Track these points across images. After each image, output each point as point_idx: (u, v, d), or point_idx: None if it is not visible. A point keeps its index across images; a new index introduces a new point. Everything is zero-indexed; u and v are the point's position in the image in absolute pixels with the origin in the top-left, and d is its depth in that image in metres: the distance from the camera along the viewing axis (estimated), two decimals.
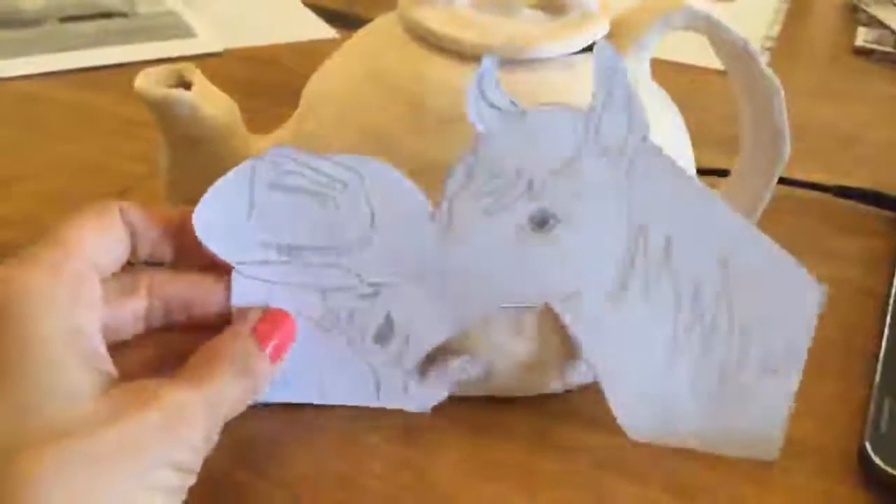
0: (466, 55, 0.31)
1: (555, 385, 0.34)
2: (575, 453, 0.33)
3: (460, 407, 0.34)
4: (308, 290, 0.30)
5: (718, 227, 0.29)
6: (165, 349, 0.29)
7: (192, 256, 0.30)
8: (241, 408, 0.28)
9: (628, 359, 0.31)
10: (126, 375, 0.26)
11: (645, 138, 0.28)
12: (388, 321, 0.31)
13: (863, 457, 0.32)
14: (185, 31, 0.66)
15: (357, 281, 0.30)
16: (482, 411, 0.34)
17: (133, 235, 0.29)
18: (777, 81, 0.34)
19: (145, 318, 0.29)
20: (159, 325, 0.30)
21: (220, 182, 0.29)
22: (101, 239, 0.28)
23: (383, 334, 0.31)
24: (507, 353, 0.33)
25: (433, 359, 0.32)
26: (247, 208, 0.29)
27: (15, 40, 0.63)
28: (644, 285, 0.30)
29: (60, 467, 0.23)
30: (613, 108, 0.28)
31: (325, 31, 0.68)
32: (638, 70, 0.33)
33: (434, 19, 0.33)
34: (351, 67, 0.34)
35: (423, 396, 0.32)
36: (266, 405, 0.33)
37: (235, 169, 0.29)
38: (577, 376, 0.34)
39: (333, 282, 0.30)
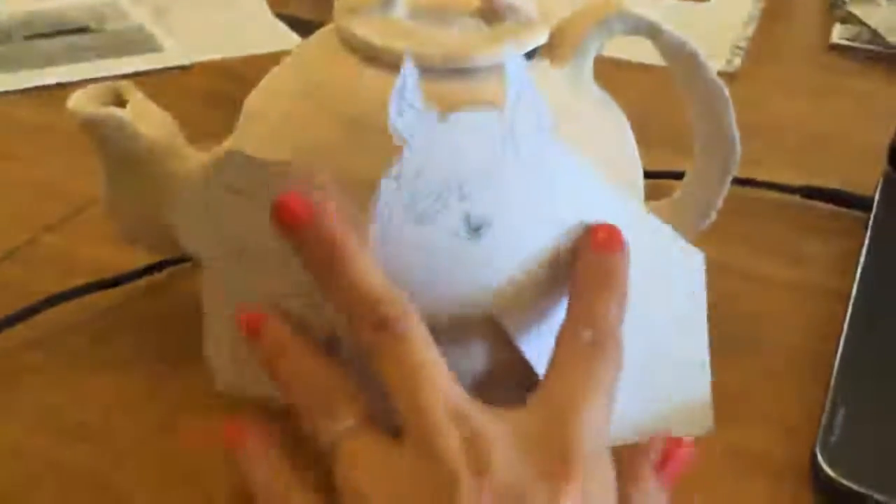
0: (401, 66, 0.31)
1: (505, 398, 0.33)
2: None
3: None
4: (265, 294, 0.31)
5: (617, 212, 0.30)
6: None
7: None
8: None
9: None
10: None
11: (551, 134, 0.29)
12: (333, 335, 0.30)
13: (814, 466, 0.31)
14: (153, 46, 0.65)
15: (300, 290, 0.30)
16: None
17: None
18: (723, 85, 0.34)
19: None
20: None
21: (184, 181, 0.31)
22: None
23: (333, 346, 0.31)
24: (455, 366, 0.32)
25: None
26: (204, 207, 0.31)
27: None
28: (569, 279, 0.30)
29: None
30: (524, 107, 0.28)
31: (294, 40, 0.67)
32: (579, 76, 0.33)
33: (369, 30, 0.32)
34: (286, 82, 0.34)
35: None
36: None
37: (196, 171, 0.31)
38: (526, 391, 0.33)
39: (279, 288, 0.30)
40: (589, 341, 0.28)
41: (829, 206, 0.48)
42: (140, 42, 0.66)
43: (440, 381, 0.26)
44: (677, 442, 0.28)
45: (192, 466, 0.32)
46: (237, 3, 0.73)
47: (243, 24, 0.70)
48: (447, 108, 0.30)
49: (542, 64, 0.32)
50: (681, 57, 0.33)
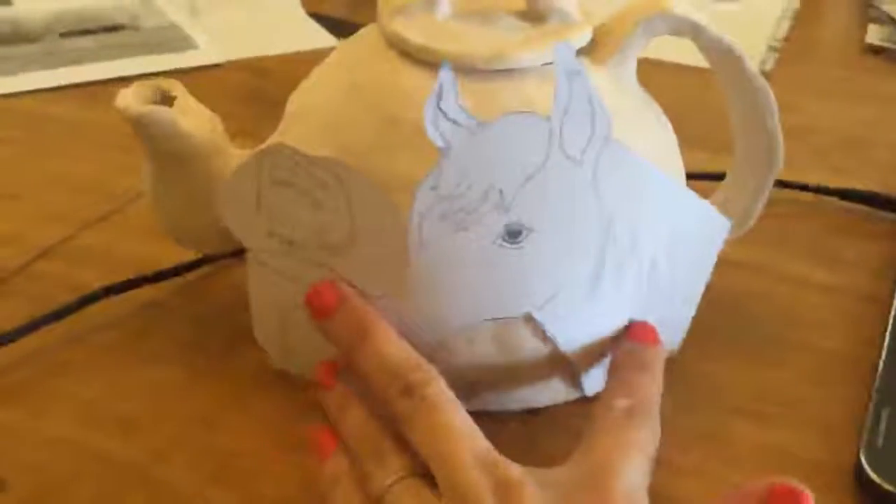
0: None
1: (542, 399, 0.34)
2: None
3: None
4: (306, 286, 0.31)
5: (672, 205, 0.31)
6: None
7: None
8: None
9: (602, 346, 0.32)
10: None
11: (608, 138, 0.28)
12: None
13: (858, 471, 0.31)
14: (187, 44, 0.66)
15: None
16: None
17: None
18: (767, 85, 0.33)
19: None
20: None
21: (236, 172, 0.31)
22: None
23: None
24: (493, 369, 0.32)
25: None
26: (255, 198, 0.31)
27: (15, 56, 0.63)
28: (615, 277, 0.31)
29: None
30: (575, 111, 0.28)
31: (328, 40, 0.68)
32: (622, 76, 0.33)
33: (413, 30, 0.32)
34: (331, 80, 0.34)
35: None
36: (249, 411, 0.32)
37: (246, 162, 0.31)
38: (565, 390, 0.34)
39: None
40: (626, 409, 0.29)
41: (866, 209, 0.48)
42: (174, 40, 0.66)
43: (469, 437, 0.28)
44: (796, 491, 0.26)
45: (234, 460, 0.32)
46: (270, 2, 0.74)
47: (276, 23, 0.71)
48: (491, 109, 0.30)
49: (584, 63, 0.32)
50: (724, 58, 0.33)
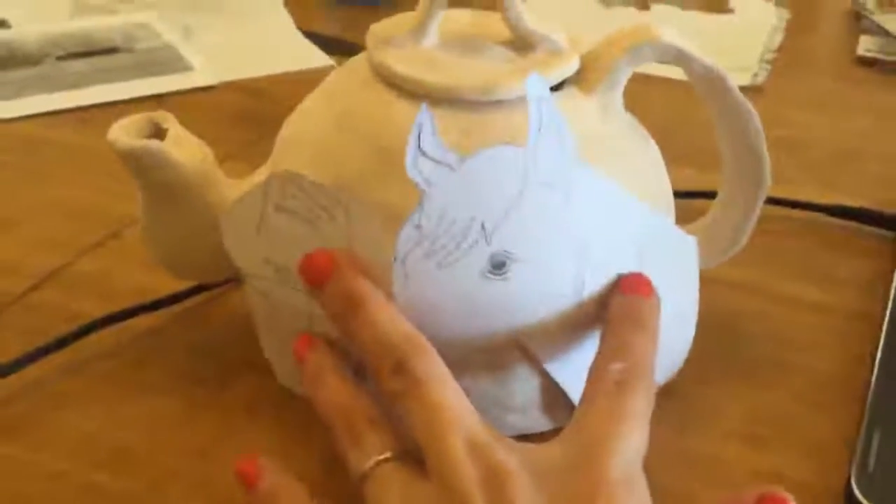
0: (433, 98, 0.31)
1: (536, 425, 0.34)
2: None
3: None
4: (298, 314, 0.32)
5: (640, 226, 0.32)
6: None
7: None
8: None
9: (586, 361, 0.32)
10: None
11: (575, 160, 0.29)
12: (361, 365, 0.31)
13: (849, 495, 0.31)
14: (181, 65, 0.66)
15: None
16: None
17: None
18: (752, 110, 0.34)
19: None
20: None
21: (242, 197, 0.32)
22: None
23: (361, 373, 0.31)
24: (486, 397, 0.32)
25: None
26: (256, 224, 0.32)
27: (12, 80, 0.64)
28: (593, 297, 0.31)
29: None
30: (547, 138, 0.28)
31: (321, 59, 0.68)
32: (609, 103, 0.33)
33: (400, 61, 0.32)
34: (321, 109, 0.34)
35: None
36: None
37: (255, 188, 0.32)
38: (559, 417, 0.34)
39: (317, 310, 0.31)
40: (619, 375, 0.29)
41: (857, 225, 0.48)
42: (169, 62, 0.67)
43: (459, 418, 0.27)
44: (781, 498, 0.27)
45: (229, 492, 0.33)
46: (264, 22, 0.74)
47: (270, 43, 0.71)
48: (480, 139, 0.30)
49: (572, 92, 0.33)
50: (711, 83, 0.33)
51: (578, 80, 0.33)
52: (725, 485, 0.33)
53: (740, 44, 0.70)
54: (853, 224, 0.48)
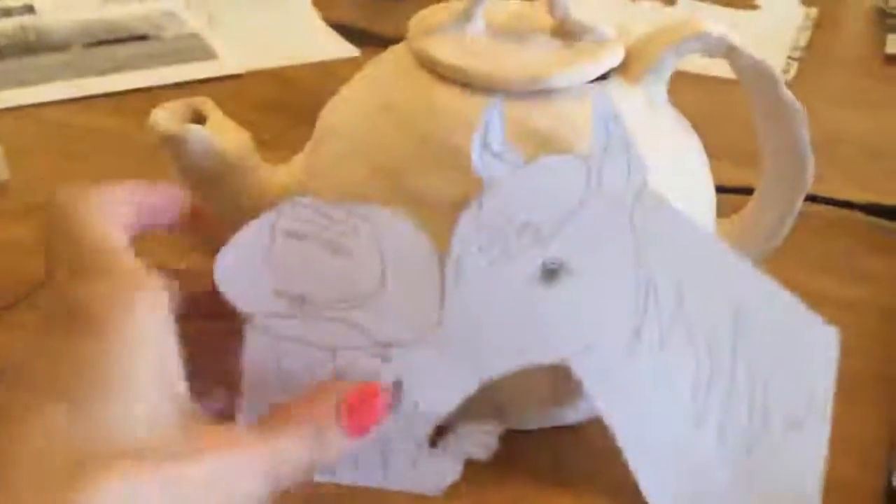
0: (477, 86, 0.31)
1: (569, 416, 0.34)
2: (591, 489, 0.32)
3: None
4: (317, 348, 0.29)
5: (727, 273, 0.29)
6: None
7: None
8: (304, 476, 0.27)
9: (648, 418, 0.30)
10: None
11: (644, 184, 0.28)
12: (397, 386, 0.29)
13: (890, 494, 0.31)
14: (207, 54, 0.66)
15: (366, 340, 0.29)
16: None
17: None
18: (799, 105, 0.33)
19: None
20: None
21: (241, 231, 0.29)
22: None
23: (397, 394, 0.30)
24: (520, 386, 0.32)
25: (443, 431, 0.31)
26: (263, 256, 0.29)
27: (41, 66, 0.64)
28: (658, 337, 0.29)
29: (130, 487, 0.22)
30: (612, 155, 0.28)
31: (347, 49, 0.68)
32: (654, 96, 0.33)
33: (444, 49, 0.32)
34: (361, 99, 0.34)
35: (435, 474, 0.31)
36: None
37: (258, 219, 0.29)
38: (592, 409, 0.34)
39: (342, 339, 0.29)
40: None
41: (889, 222, 0.47)
42: (195, 49, 0.67)
43: None
44: (372, 390, 0.28)
45: None
46: (288, 11, 0.74)
47: (295, 32, 0.71)
48: (525, 129, 0.30)
49: (617, 82, 0.33)
50: (757, 78, 0.33)
51: (623, 70, 0.33)
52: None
53: (767, 40, 0.70)
54: (885, 221, 0.47)
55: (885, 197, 0.48)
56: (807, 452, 0.30)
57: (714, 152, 0.36)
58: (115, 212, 0.27)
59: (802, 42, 0.71)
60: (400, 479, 0.31)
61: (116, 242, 0.26)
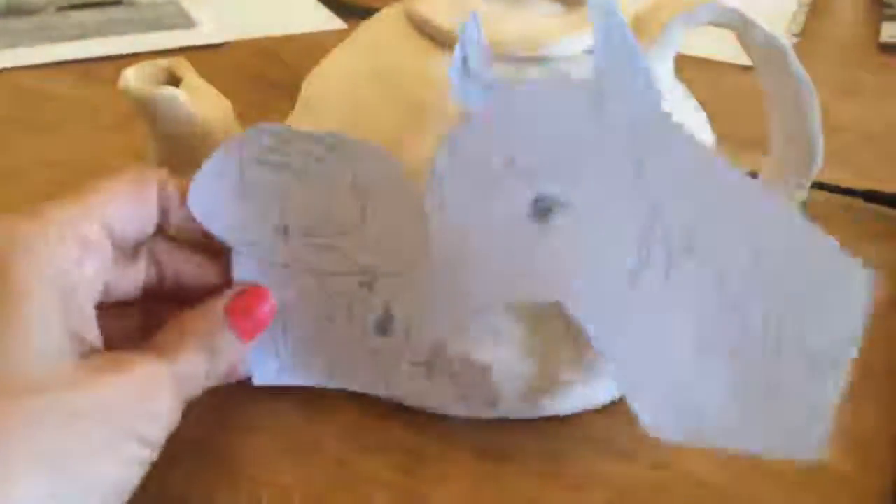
0: None
1: (565, 407, 0.32)
2: (589, 483, 0.31)
3: (466, 431, 0.32)
4: (305, 274, 0.29)
5: (746, 207, 0.26)
6: (152, 320, 0.29)
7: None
8: (208, 385, 0.28)
9: (650, 354, 0.28)
10: (108, 342, 0.26)
11: (657, 108, 0.25)
12: (388, 313, 0.29)
13: None
14: (186, 22, 0.64)
15: (353, 265, 0.29)
16: (490, 436, 0.32)
17: (165, 212, 0.28)
18: (811, 83, 0.32)
19: (143, 287, 0.29)
20: (152, 295, 0.29)
21: (209, 162, 0.28)
22: (129, 209, 0.27)
23: (383, 326, 0.29)
24: (516, 375, 0.30)
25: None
26: (236, 186, 0.28)
27: (11, 30, 0.61)
28: (663, 273, 0.27)
29: (30, 420, 0.23)
30: (618, 77, 0.25)
31: (333, 21, 0.66)
32: (660, 69, 0.31)
33: (440, 13, 0.30)
34: (351, 65, 0.32)
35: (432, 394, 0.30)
36: (257, 421, 0.31)
37: (222, 148, 0.28)
38: (589, 397, 0.32)
39: (329, 265, 0.29)
40: None
41: (890, 210, 0.46)
42: (173, 16, 0.64)
43: None
44: (255, 292, 0.29)
45: (242, 465, 0.31)
46: None
47: (280, 2, 0.69)
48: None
49: None
50: (769, 53, 0.31)
51: None
52: (766, 476, 0.31)
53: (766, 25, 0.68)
54: (886, 209, 0.46)
55: (880, 184, 0.47)
56: (822, 397, 0.27)
57: (721, 138, 0.35)
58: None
59: (797, 28, 0.70)
60: (398, 389, 0.31)
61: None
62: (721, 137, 0.35)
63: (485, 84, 0.25)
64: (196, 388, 0.27)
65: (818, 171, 0.34)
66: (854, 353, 0.27)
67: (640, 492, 0.30)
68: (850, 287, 0.27)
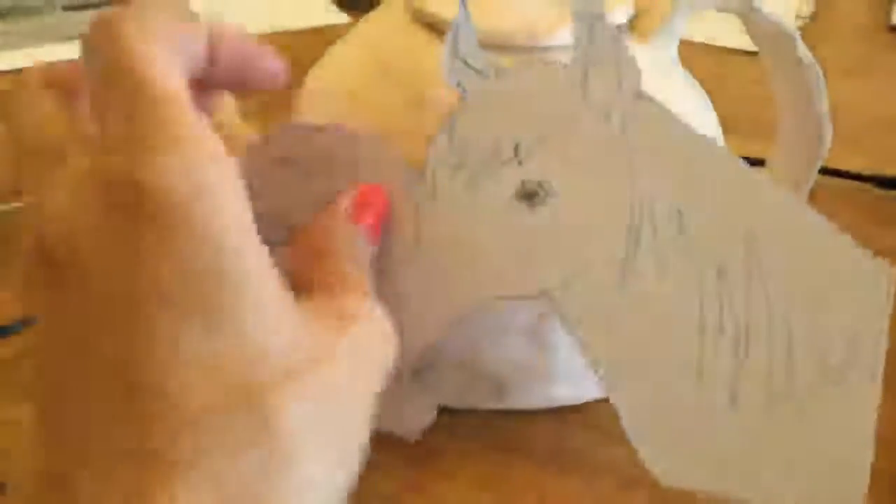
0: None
1: (570, 397, 0.32)
2: (599, 471, 0.31)
3: (473, 422, 0.31)
4: None
5: (745, 195, 0.25)
6: None
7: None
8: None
9: (645, 360, 0.26)
10: None
11: (638, 93, 0.25)
12: None
13: None
14: (190, 17, 0.64)
15: None
16: (497, 426, 0.32)
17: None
18: (818, 67, 0.31)
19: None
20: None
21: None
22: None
23: None
24: (521, 365, 0.30)
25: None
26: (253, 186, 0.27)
27: (16, 31, 0.61)
28: (655, 266, 0.26)
29: (305, 403, 0.19)
30: (599, 60, 0.25)
31: (337, 15, 0.66)
32: (665, 55, 0.31)
33: (442, 4, 0.30)
34: (352, 58, 0.32)
35: (412, 414, 0.29)
36: None
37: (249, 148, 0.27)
38: (596, 387, 0.32)
39: None
40: None
41: None
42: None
43: None
44: (375, 191, 0.26)
45: None
46: None
47: None
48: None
49: (626, 40, 0.30)
50: (774, 38, 0.31)
51: (633, 27, 0.31)
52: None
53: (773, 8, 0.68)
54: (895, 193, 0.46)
55: (891, 168, 0.46)
56: (848, 416, 0.24)
57: (726, 125, 0.34)
58: (172, 46, 0.21)
59: (806, 11, 0.69)
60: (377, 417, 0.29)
61: (180, 91, 0.20)
62: (727, 124, 0.34)
63: (475, 67, 0.25)
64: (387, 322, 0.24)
65: (826, 153, 0.34)
66: (879, 365, 0.24)
67: (650, 480, 0.30)
68: (869, 288, 0.25)
